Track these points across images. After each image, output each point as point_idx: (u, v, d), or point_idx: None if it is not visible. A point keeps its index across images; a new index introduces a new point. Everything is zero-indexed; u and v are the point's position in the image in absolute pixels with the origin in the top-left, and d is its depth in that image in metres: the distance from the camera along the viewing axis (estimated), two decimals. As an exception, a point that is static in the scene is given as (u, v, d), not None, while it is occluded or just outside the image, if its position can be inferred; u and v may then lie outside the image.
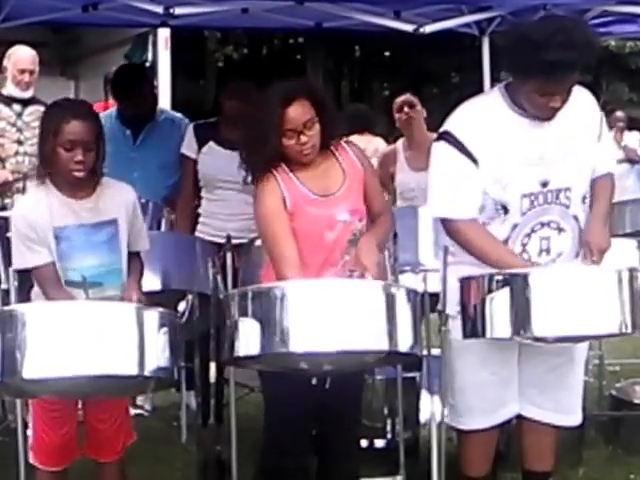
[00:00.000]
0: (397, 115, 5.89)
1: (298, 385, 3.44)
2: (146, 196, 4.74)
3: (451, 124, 3.63)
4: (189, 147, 4.98)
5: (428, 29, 4.99)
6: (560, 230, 3.62)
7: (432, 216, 3.78)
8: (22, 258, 3.52)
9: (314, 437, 3.81)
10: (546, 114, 3.52)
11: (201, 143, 4.94)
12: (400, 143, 5.95)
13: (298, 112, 3.46)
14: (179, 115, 5.64)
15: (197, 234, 4.94)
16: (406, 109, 5.83)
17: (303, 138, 3.48)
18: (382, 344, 3.11)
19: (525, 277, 3.30)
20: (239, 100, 4.73)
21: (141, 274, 3.71)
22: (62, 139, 3.43)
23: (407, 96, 5.93)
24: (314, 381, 3.38)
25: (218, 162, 4.83)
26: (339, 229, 3.55)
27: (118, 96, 5.46)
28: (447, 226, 3.63)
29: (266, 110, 3.48)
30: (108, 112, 5.54)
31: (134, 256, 3.68)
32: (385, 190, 5.66)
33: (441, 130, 3.67)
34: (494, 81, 3.76)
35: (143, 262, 3.74)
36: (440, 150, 3.63)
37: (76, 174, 3.46)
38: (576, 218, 3.64)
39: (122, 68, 5.96)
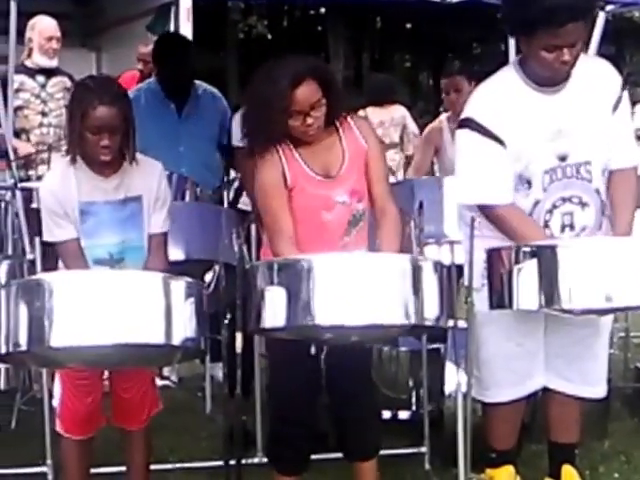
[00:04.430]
0: (445, 96, 5.74)
1: (298, 355, 3.38)
2: (193, 169, 4.81)
3: (471, 109, 3.61)
4: (238, 138, 4.82)
5: (455, -2, 4.94)
6: (583, 205, 3.60)
7: (465, 203, 3.71)
8: (49, 232, 3.57)
9: (327, 407, 3.80)
10: (558, 73, 3.49)
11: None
12: (444, 117, 5.79)
13: (306, 94, 3.41)
14: (215, 89, 5.41)
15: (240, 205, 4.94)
16: (452, 94, 5.61)
17: (309, 120, 3.43)
18: (409, 317, 3.09)
19: (553, 249, 3.28)
20: None
21: (165, 255, 3.67)
22: (89, 124, 3.43)
23: (454, 78, 5.62)
24: (313, 350, 3.33)
25: None
26: (337, 210, 3.52)
27: (159, 64, 5.25)
28: (486, 212, 3.60)
29: (274, 91, 3.40)
30: (147, 84, 5.37)
31: (154, 238, 3.63)
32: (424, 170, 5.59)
33: (462, 117, 3.65)
34: (519, 53, 3.73)
35: (165, 245, 3.68)
36: (465, 137, 3.60)
37: (102, 158, 3.48)
38: (598, 192, 3.63)
39: (164, 36, 5.86)
